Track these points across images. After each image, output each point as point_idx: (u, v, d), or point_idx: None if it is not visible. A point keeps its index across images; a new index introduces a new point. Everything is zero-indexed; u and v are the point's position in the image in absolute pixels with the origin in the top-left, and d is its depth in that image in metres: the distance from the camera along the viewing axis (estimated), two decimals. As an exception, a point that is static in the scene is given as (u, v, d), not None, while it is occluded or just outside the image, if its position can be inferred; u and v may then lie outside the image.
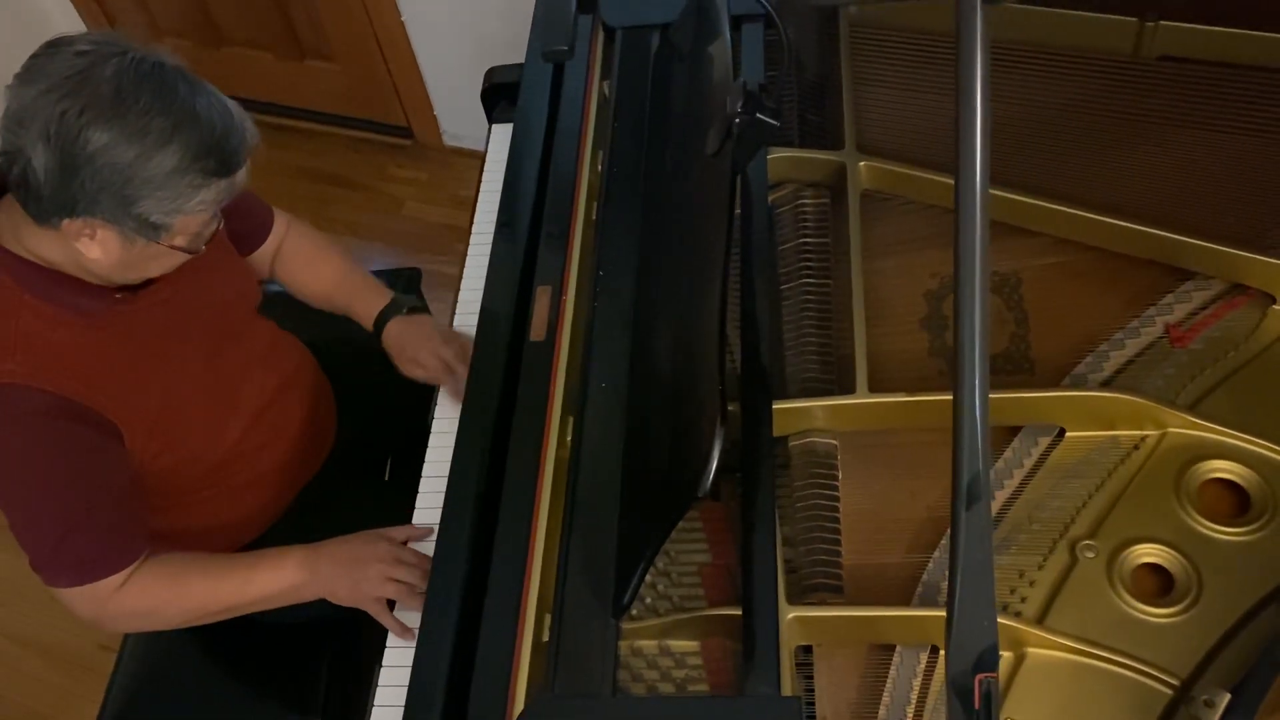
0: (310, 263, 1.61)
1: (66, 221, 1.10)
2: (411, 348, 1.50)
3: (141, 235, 1.13)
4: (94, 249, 1.13)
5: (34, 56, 1.08)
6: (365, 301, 1.57)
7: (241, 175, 1.17)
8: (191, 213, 1.13)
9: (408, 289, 1.88)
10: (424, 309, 1.58)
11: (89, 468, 1.21)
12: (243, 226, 1.51)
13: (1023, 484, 1.16)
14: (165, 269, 1.22)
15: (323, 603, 1.52)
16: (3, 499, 1.21)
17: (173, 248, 1.17)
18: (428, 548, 1.32)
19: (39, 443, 1.18)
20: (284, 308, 1.60)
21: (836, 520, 1.15)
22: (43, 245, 1.17)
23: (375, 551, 1.31)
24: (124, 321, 1.24)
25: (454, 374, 1.46)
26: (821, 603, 1.09)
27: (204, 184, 1.11)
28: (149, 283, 1.26)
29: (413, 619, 1.26)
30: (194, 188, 1.11)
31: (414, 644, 1.13)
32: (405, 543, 1.34)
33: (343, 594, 1.31)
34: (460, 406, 1.30)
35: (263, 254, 1.58)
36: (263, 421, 1.43)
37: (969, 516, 0.79)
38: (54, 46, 1.08)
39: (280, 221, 1.59)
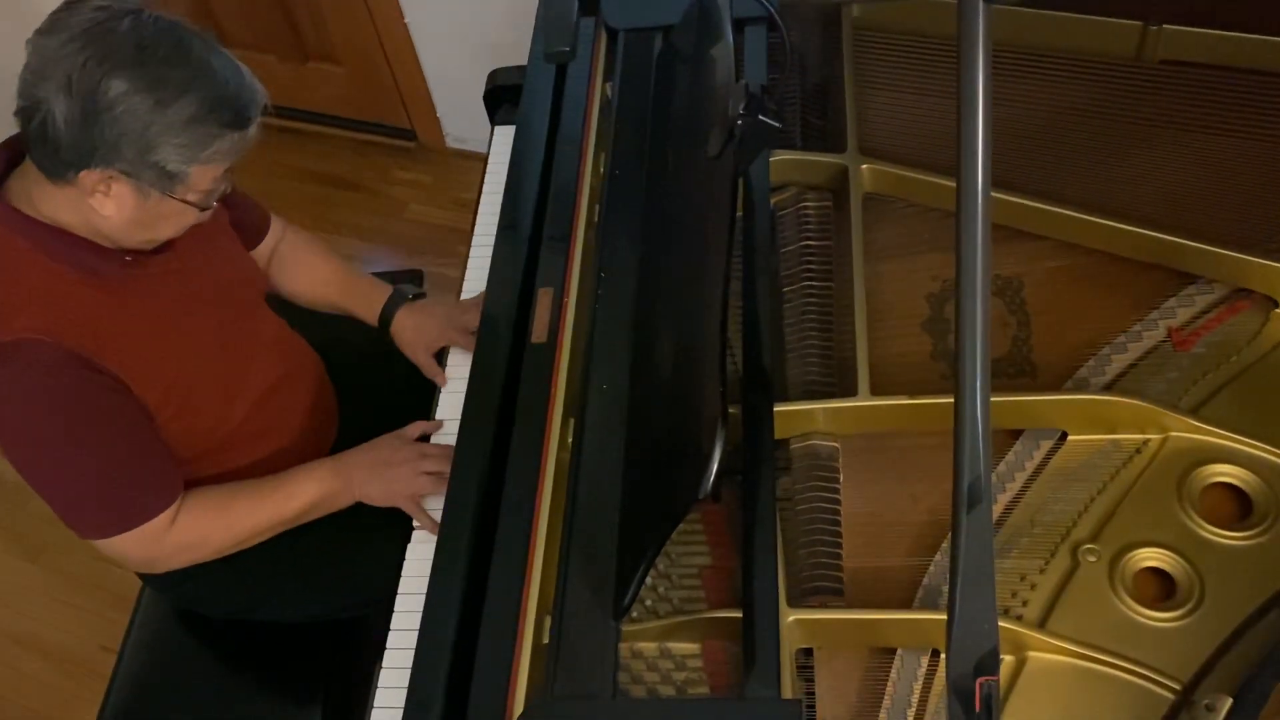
0: (307, 264, 1.63)
1: (84, 174, 1.12)
2: (433, 333, 1.54)
3: (157, 187, 1.15)
4: (108, 204, 1.15)
5: (55, 12, 1.12)
6: (366, 297, 1.60)
7: (253, 131, 1.19)
8: (206, 163, 1.16)
9: (408, 291, 1.89)
10: (423, 295, 1.61)
11: (113, 414, 1.23)
12: (242, 219, 1.52)
13: (1024, 487, 1.16)
14: (175, 230, 1.24)
15: (324, 603, 1.53)
16: (30, 458, 1.22)
17: (185, 202, 1.19)
18: (444, 439, 1.43)
19: (61, 395, 1.19)
20: (287, 310, 1.60)
21: (838, 523, 1.14)
22: (56, 207, 1.18)
23: (401, 452, 1.39)
24: (135, 286, 1.26)
25: None
26: (822, 605, 1.09)
27: (219, 134, 1.15)
28: (157, 252, 1.28)
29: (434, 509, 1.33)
30: (209, 137, 1.14)
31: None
32: (422, 438, 1.43)
33: (377, 495, 1.39)
34: (461, 407, 1.30)
35: (259, 255, 1.59)
36: (266, 408, 1.44)
37: (970, 519, 0.79)
38: (72, 4, 1.12)
39: (276, 224, 1.61)
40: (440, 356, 1.55)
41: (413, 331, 1.56)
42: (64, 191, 1.15)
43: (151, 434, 1.28)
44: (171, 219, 1.22)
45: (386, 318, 1.58)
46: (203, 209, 1.22)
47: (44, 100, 1.08)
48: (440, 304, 1.59)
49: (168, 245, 1.27)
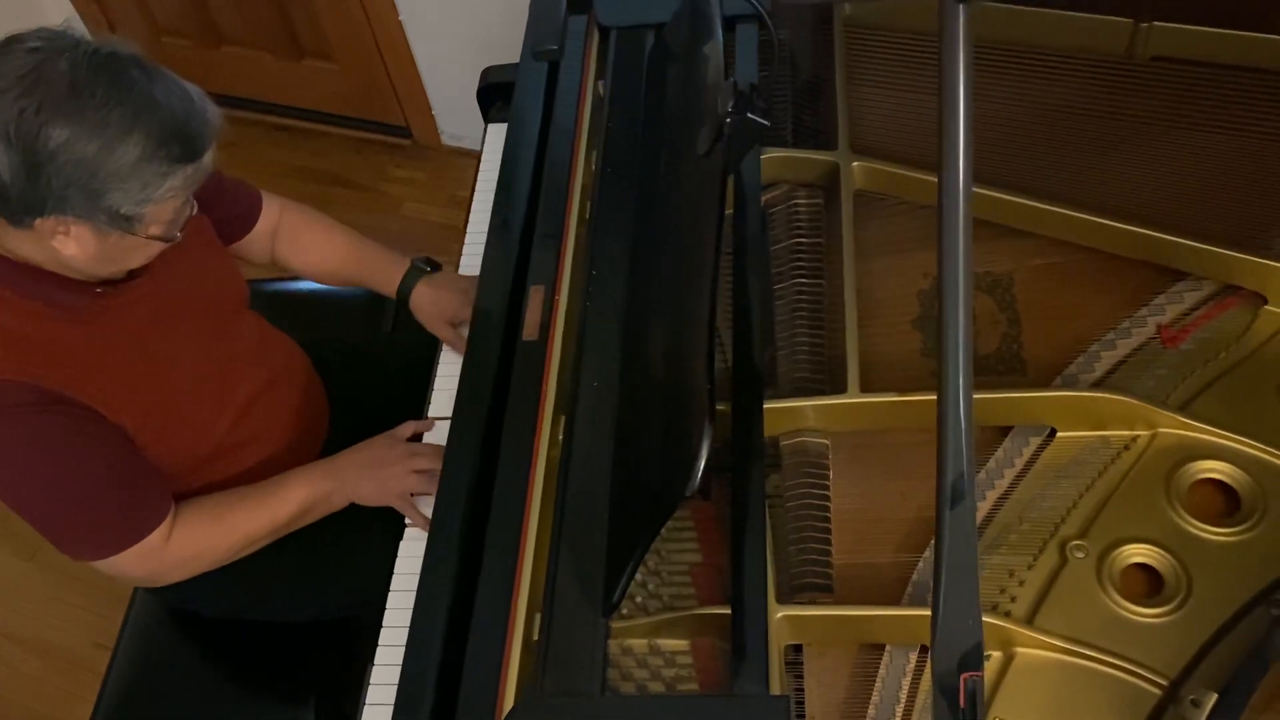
0: (316, 238, 1.61)
1: (39, 220, 1.10)
2: (450, 307, 1.53)
3: (114, 228, 1.13)
4: (70, 245, 1.13)
5: None
6: (384, 272, 1.59)
7: (208, 159, 1.16)
8: (162, 201, 1.13)
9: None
10: (439, 268, 1.60)
11: (91, 443, 1.22)
12: (229, 211, 1.51)
13: (1013, 484, 1.16)
14: (144, 259, 1.23)
15: (317, 602, 1.53)
16: (14, 495, 1.22)
17: (148, 238, 1.17)
18: (435, 437, 1.43)
19: (35, 433, 1.18)
20: (275, 307, 1.61)
21: (827, 520, 1.15)
22: (20, 244, 1.17)
23: (393, 451, 1.39)
24: (108, 316, 1.25)
25: None
26: (811, 602, 1.09)
27: (170, 171, 1.11)
28: (131, 277, 1.27)
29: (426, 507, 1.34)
30: (161, 175, 1.11)
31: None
32: (414, 438, 1.43)
33: (370, 494, 1.39)
34: (453, 405, 1.31)
35: (257, 236, 1.58)
36: (251, 416, 1.43)
37: (953, 516, 0.79)
38: (5, 46, 1.08)
39: (272, 204, 1.59)
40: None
41: (431, 305, 1.55)
42: (25, 233, 1.13)
43: (134, 455, 1.27)
44: (137, 251, 1.20)
45: (404, 292, 1.57)
46: (168, 240, 1.20)
47: None
48: (459, 278, 1.57)
49: (141, 269, 1.26)
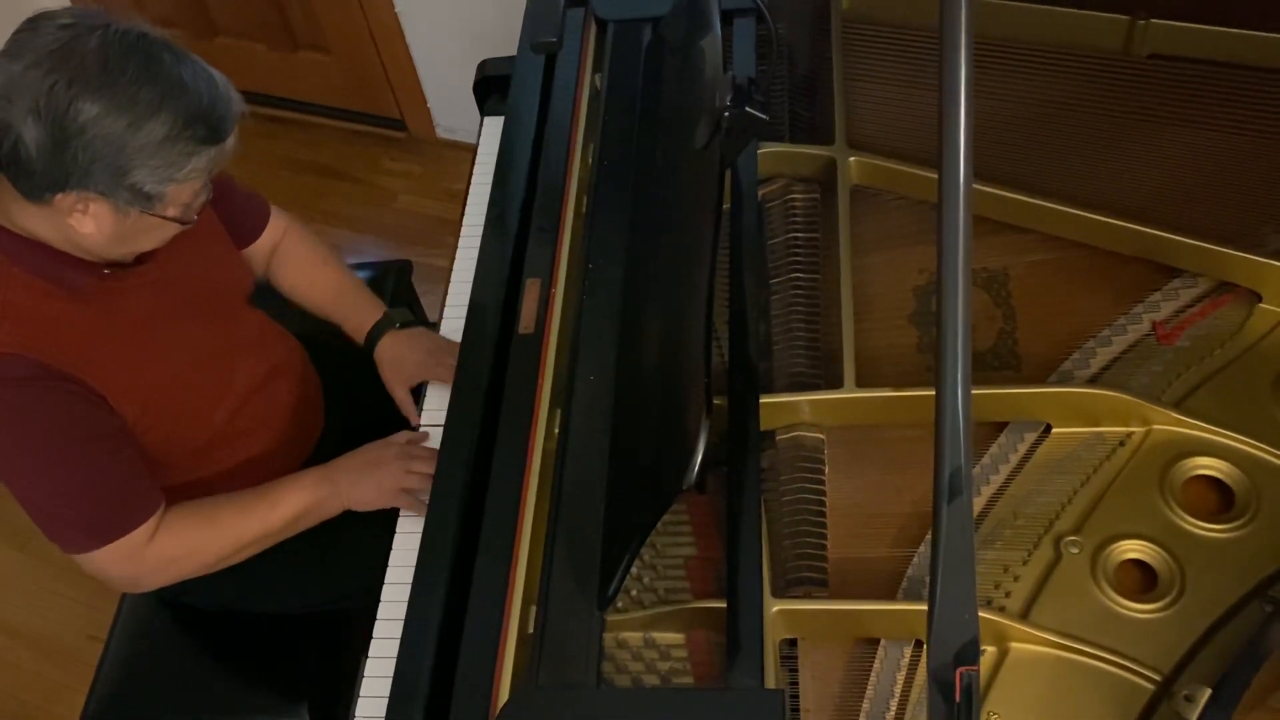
0: (307, 269, 1.61)
1: (59, 196, 1.11)
2: (410, 368, 1.51)
3: (135, 206, 1.14)
4: (87, 223, 1.14)
5: (17, 32, 1.09)
6: (358, 315, 1.58)
7: (230, 142, 1.18)
8: (183, 181, 1.15)
9: (399, 282, 1.88)
10: (416, 322, 1.58)
11: (88, 427, 1.22)
12: (238, 218, 1.51)
13: (1008, 479, 1.16)
14: (157, 242, 1.23)
15: (311, 594, 1.53)
16: (7, 471, 1.21)
17: (165, 218, 1.18)
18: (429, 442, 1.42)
19: (35, 409, 1.18)
20: (275, 299, 1.60)
21: (822, 514, 1.15)
22: (33, 221, 1.17)
23: (388, 452, 1.38)
24: (113, 299, 1.25)
25: None
26: (806, 596, 1.09)
27: (195, 151, 1.13)
28: (139, 262, 1.27)
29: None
30: (185, 155, 1.12)
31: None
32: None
33: (368, 498, 1.37)
34: (448, 399, 1.31)
35: (258, 249, 1.58)
36: (249, 407, 1.43)
37: (950, 510, 0.79)
38: (36, 22, 1.09)
39: (279, 220, 1.59)
40: (419, 387, 1.53)
41: (391, 365, 1.53)
42: (41, 209, 1.14)
43: (129, 447, 1.26)
44: (153, 233, 1.21)
45: (370, 342, 1.56)
46: (184, 222, 1.21)
47: (13, 125, 1.06)
48: (425, 337, 1.54)
49: (149, 255, 1.26)
